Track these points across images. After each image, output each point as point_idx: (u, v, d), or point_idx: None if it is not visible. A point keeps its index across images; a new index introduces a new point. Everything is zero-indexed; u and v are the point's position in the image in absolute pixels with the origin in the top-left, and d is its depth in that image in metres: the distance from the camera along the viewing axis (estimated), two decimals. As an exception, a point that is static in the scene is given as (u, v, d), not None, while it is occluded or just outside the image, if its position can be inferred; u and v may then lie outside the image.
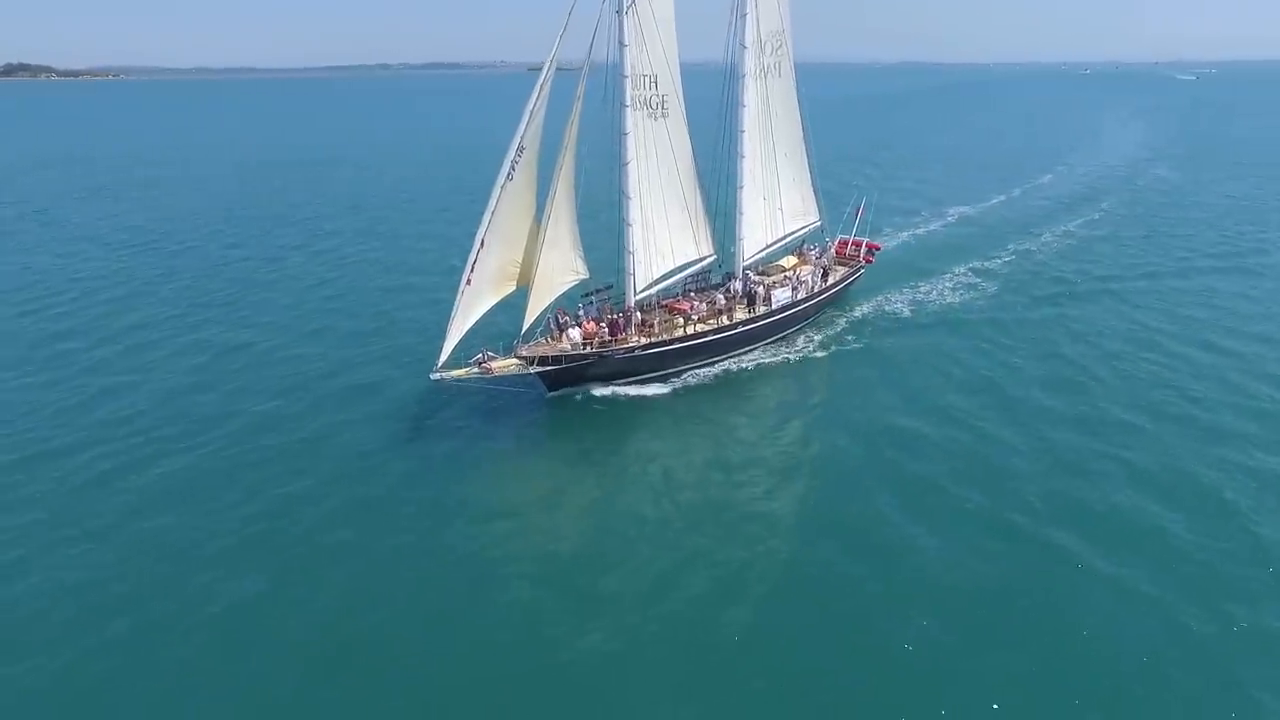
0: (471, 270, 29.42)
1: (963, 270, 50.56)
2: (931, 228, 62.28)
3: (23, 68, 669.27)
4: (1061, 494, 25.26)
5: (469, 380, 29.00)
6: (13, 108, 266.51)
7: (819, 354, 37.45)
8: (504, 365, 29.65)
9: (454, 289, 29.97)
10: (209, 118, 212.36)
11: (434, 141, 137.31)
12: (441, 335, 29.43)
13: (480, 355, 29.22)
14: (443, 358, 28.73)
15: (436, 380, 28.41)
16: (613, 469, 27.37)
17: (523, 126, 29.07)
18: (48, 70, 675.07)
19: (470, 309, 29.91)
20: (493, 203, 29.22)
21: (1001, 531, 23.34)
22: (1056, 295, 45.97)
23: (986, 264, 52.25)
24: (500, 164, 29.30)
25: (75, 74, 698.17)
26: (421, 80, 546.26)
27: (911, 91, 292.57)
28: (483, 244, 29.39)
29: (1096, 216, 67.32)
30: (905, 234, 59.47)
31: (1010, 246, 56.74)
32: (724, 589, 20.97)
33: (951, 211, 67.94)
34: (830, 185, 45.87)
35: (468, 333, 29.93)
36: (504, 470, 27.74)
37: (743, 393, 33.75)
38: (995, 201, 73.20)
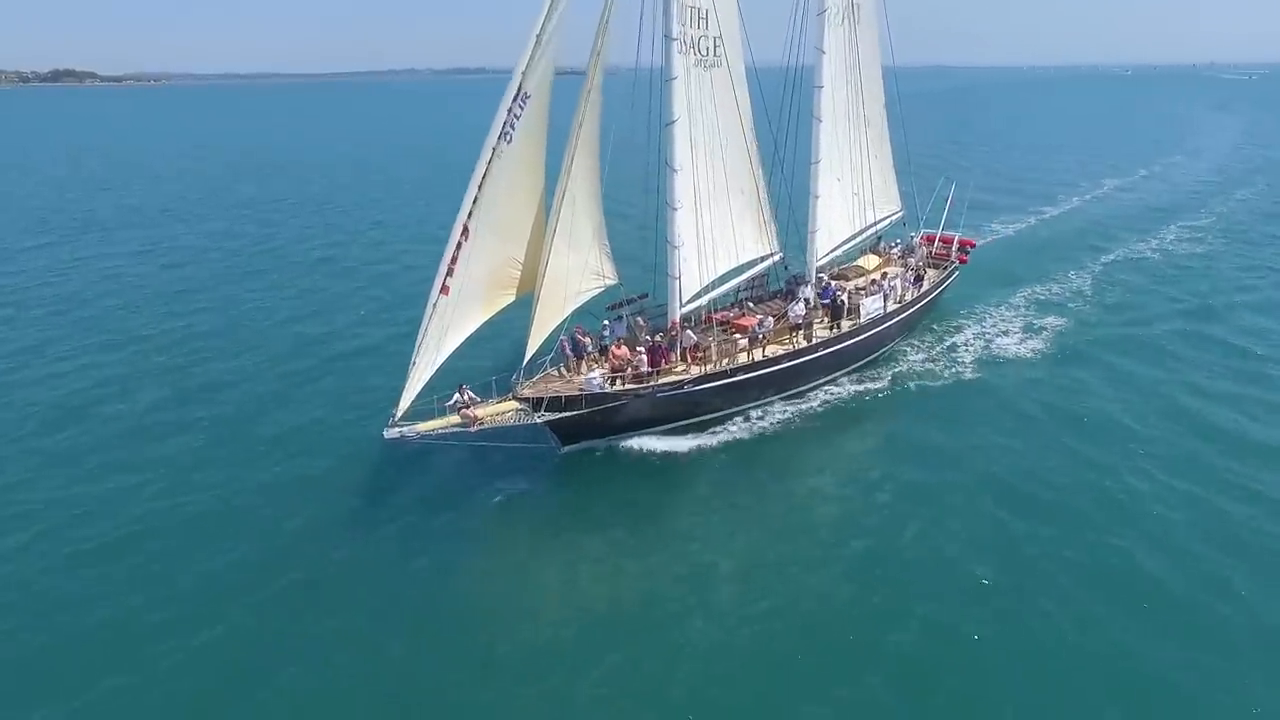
0: (448, 273, 20.11)
1: (1091, 270, 41.05)
2: (1027, 223, 52.37)
3: (69, 74, 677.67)
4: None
5: (444, 437, 19.88)
6: (125, 111, 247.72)
7: (911, 385, 27.61)
8: (496, 412, 20.62)
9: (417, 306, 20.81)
10: (307, 119, 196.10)
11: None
12: (401, 372, 20.01)
13: (458, 397, 20.15)
14: (402, 405, 19.31)
15: (394, 439, 19.27)
16: (650, 575, 17.86)
17: (522, 65, 20.05)
18: (92, 75, 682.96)
19: (449, 331, 20.57)
20: (478, 176, 20.03)
21: None
22: (1236, 303, 35.80)
23: (1120, 264, 42.59)
24: (490, 121, 20.16)
25: (118, 79, 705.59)
26: (465, 84, 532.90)
27: (980, 85, 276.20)
28: (465, 234, 20.30)
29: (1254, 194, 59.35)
30: (996, 229, 49.71)
31: (1149, 241, 47.30)
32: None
33: (1056, 205, 58.12)
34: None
35: (442, 367, 20.60)
36: (486, 575, 18.39)
37: (822, 445, 24.02)
38: (1092, 195, 63.17)
